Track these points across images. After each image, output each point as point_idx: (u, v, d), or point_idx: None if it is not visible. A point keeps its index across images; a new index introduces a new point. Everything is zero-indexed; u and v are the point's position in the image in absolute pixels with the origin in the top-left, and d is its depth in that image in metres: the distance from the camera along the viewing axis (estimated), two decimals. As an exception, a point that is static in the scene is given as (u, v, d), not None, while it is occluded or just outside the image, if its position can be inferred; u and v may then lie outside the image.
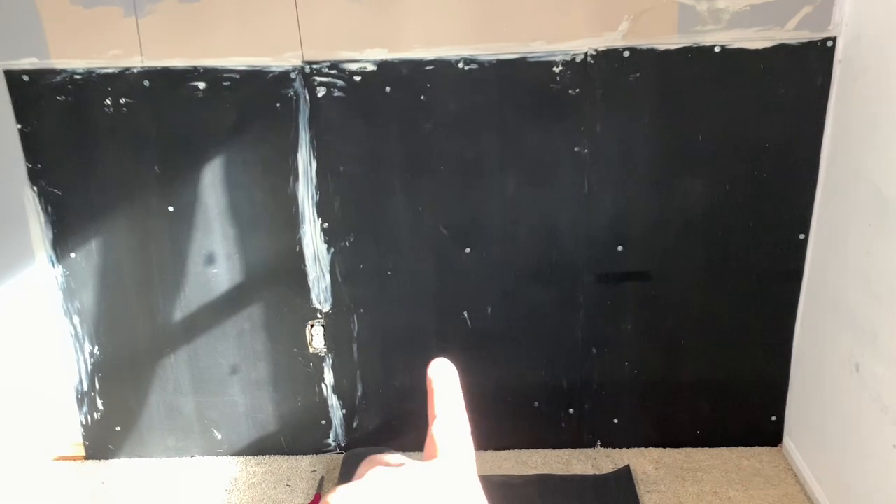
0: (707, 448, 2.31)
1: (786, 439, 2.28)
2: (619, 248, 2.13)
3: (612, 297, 2.18)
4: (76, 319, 2.24)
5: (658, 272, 2.16)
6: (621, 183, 2.07)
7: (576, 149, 2.04)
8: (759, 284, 2.15)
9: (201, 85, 2.00)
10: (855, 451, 1.85)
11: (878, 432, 1.73)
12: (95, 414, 2.35)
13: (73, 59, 1.98)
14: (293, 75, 1.99)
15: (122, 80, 2.00)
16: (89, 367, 2.29)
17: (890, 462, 1.68)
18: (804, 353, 2.16)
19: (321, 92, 2.01)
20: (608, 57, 1.94)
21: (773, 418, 2.28)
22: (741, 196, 2.05)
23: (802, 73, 1.93)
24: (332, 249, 2.16)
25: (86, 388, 2.32)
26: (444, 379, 0.45)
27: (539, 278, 2.17)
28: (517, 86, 1.99)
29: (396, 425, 2.34)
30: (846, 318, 1.89)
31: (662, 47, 1.92)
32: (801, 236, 2.10)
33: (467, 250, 2.16)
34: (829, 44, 1.90)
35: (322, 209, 2.12)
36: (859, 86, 1.83)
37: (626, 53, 1.94)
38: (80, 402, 2.34)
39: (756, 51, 1.91)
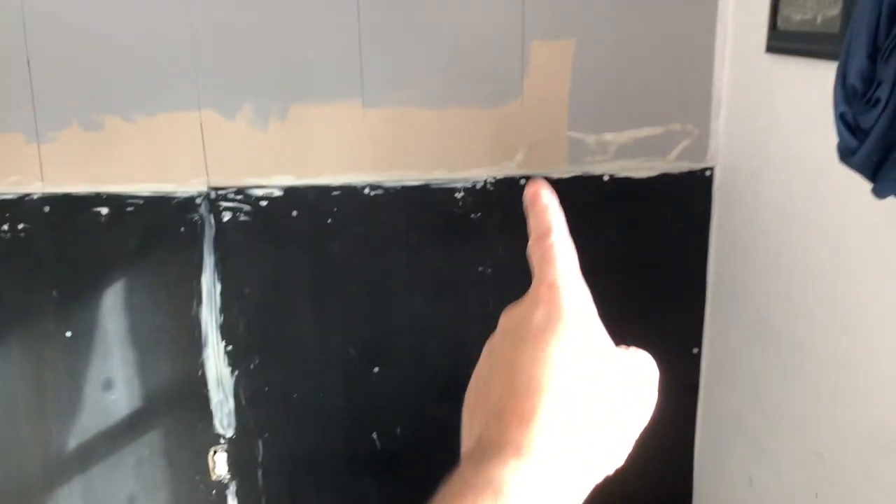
0: (618, 564, 2.31)
1: (694, 551, 2.31)
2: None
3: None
4: (-41, 453, 2.11)
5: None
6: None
7: (479, 268, 2.11)
8: (660, 395, 2.21)
9: (104, 210, 1.99)
10: (755, 565, 1.89)
11: (773, 546, 1.78)
12: (-25, 555, 2.18)
13: (-31, 184, 1.95)
14: (198, 200, 2.01)
15: (20, 206, 1.97)
16: (-29, 504, 2.15)
17: (785, 577, 1.72)
18: (704, 466, 2.22)
19: (227, 216, 2.03)
20: (506, 184, 2.05)
21: (681, 530, 2.31)
22: (636, 312, 2.14)
23: (685, 200, 2.08)
24: (237, 372, 2.13)
25: (-34, 526, 2.16)
26: (549, 197, 0.46)
27: (448, 396, 2.18)
28: (422, 210, 2.06)
29: (304, 553, 2.26)
30: (739, 431, 1.96)
31: (556, 175, 2.04)
32: (695, 350, 2.19)
33: (376, 369, 2.16)
34: (707, 173, 2.06)
35: (226, 332, 2.10)
36: (735, 212, 1.97)
37: (523, 181, 2.05)
38: (-42, 543, 2.17)
39: (641, 179, 2.05)
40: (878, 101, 1.05)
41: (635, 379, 0.44)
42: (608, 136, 2.01)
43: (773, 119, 1.75)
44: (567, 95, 1.97)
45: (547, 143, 2.01)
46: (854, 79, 1.08)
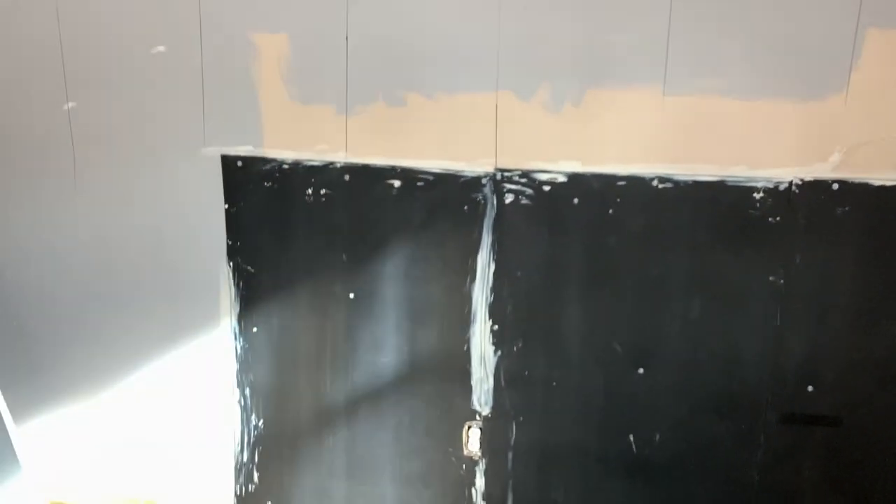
0: None
1: None
2: (810, 388, 1.97)
3: (796, 441, 2.01)
4: (248, 391, 2.33)
5: (851, 419, 1.97)
6: (817, 319, 1.93)
7: (770, 278, 1.93)
8: (972, 448, 1.91)
9: (396, 183, 2.08)
10: None
11: None
12: (250, 486, 2.40)
13: (283, 149, 2.13)
14: (484, 181, 2.03)
15: (325, 173, 2.12)
16: (252, 440, 2.36)
17: None
18: None
19: (509, 198, 2.03)
20: (815, 188, 1.85)
21: None
22: (958, 348, 1.86)
23: None
24: (500, 352, 2.14)
25: (245, 459, 2.39)
26: None
27: (716, 410, 2.04)
28: (713, 208, 1.93)
29: (545, 544, 2.23)
30: None
31: (878, 182, 1.81)
32: None
33: (640, 371, 2.07)
34: None
35: (494, 311, 2.12)
36: None
37: (836, 186, 1.84)
38: (237, 473, 2.41)
39: None
40: None
41: None
42: (950, 142, 1.75)
43: None
44: (905, 92, 1.74)
45: (872, 143, 1.79)
46: None
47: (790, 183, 1.86)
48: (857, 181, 1.82)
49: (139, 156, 2.22)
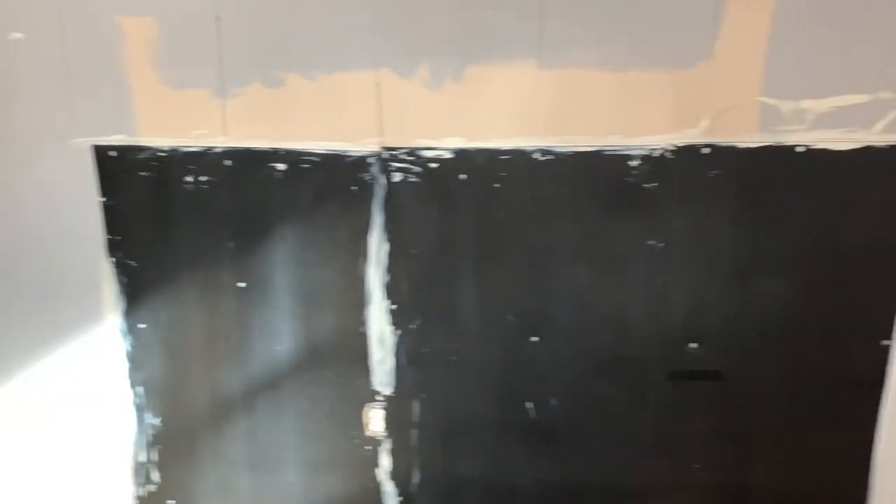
0: (781, 562, 2.18)
1: (867, 557, 2.14)
2: (693, 345, 2.07)
3: (682, 396, 2.11)
4: (140, 390, 2.25)
5: (732, 373, 2.08)
6: (696, 279, 2.02)
7: (650, 242, 2.01)
8: (838, 390, 2.06)
9: (281, 166, 2.04)
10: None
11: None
12: (150, 486, 2.33)
13: (159, 136, 2.04)
14: (371, 160, 2.02)
15: (204, 159, 2.05)
16: (149, 439, 2.29)
17: None
18: (887, 467, 2.04)
19: (397, 177, 2.03)
20: (687, 153, 1.93)
21: (853, 533, 2.15)
22: (821, 299, 1.99)
23: (889, 176, 1.89)
24: (399, 332, 2.15)
25: (143, 459, 2.31)
26: None
27: (608, 372, 2.12)
28: (593, 177, 1.98)
29: (452, 516, 2.27)
30: (938, 434, 1.78)
31: (743, 145, 1.90)
32: (885, 342, 2.01)
33: (534, 339, 2.12)
34: (918, 147, 1.86)
35: (390, 291, 2.12)
36: (951, 192, 1.77)
37: (706, 150, 1.92)
38: (136, 474, 2.33)
39: (841, 152, 1.87)
40: None
41: None
42: (806, 104, 1.85)
43: None
44: (763, 57, 1.83)
45: (737, 108, 1.87)
46: None
47: (663, 149, 1.93)
48: (724, 145, 1.91)
49: (2, 150, 2.09)
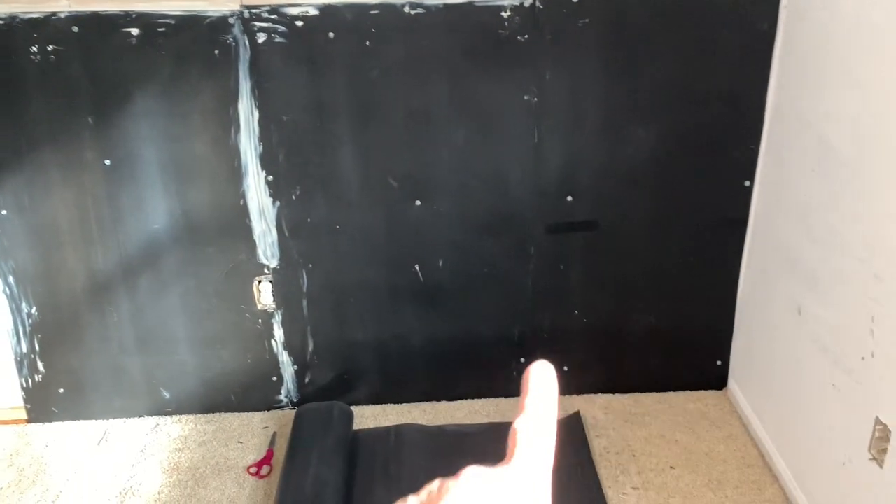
0: (655, 393, 2.36)
1: (730, 383, 2.34)
2: (569, 198, 2.13)
3: (561, 248, 2.19)
4: (11, 279, 2.15)
5: (606, 221, 2.16)
6: (570, 132, 2.05)
7: (525, 97, 2.01)
8: (705, 231, 2.18)
9: (134, 31, 1.90)
10: (796, 391, 1.91)
11: (818, 372, 1.78)
12: (36, 376, 2.28)
13: (-7, 2, 1.86)
14: (231, 20, 1.91)
15: (48, 26, 1.89)
16: (28, 329, 2.21)
17: (828, 400, 1.73)
18: (749, 299, 2.21)
19: (262, 38, 1.93)
20: (557, 2, 1.91)
21: (719, 363, 2.34)
22: (687, 144, 2.06)
23: (749, 18, 1.93)
24: (278, 203, 2.11)
25: (25, 350, 2.24)
26: (542, 381, 0.43)
27: (490, 230, 2.16)
28: (465, 31, 1.95)
29: (349, 380, 2.33)
30: (789, 263, 1.92)
31: (611, -8, 1.89)
32: (747, 183, 2.12)
33: (418, 202, 2.13)
34: (776, -11, 1.90)
35: (266, 161, 2.06)
36: (803, 30, 1.83)
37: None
38: (19, 365, 2.26)
39: (703, -4, 1.90)
40: None
41: None
42: (670, -54, 1.84)
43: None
44: None
45: (603, -47, 1.85)
46: None
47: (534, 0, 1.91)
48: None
49: None
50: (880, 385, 1.53)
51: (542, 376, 0.43)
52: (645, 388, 2.37)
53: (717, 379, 2.36)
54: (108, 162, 2.03)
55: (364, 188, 2.10)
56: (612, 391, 2.37)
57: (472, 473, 0.38)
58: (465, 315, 2.26)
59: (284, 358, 2.30)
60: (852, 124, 1.62)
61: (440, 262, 2.20)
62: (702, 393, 2.36)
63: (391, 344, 2.28)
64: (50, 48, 1.91)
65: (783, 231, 1.96)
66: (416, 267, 2.21)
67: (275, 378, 2.32)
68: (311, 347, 2.29)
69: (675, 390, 2.37)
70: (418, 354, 2.30)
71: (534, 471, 0.40)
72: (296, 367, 2.31)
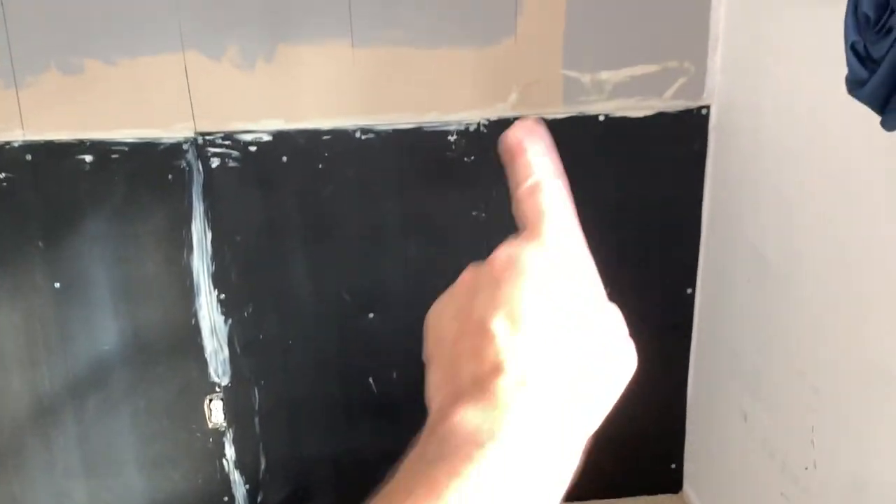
0: (610, 500, 2.35)
1: (686, 486, 2.36)
2: (519, 308, 2.18)
3: (514, 357, 2.22)
4: (-49, 406, 2.09)
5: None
6: (518, 245, 2.12)
7: (474, 213, 2.08)
8: (651, 337, 2.21)
9: (88, 158, 1.93)
10: (748, 497, 1.94)
11: (767, 479, 1.81)
12: (-26, 506, 2.18)
13: (-54, 132, 1.89)
14: (185, 146, 1.96)
15: (2, 155, 1.91)
16: (-34, 457, 2.14)
17: (778, 508, 1.76)
18: (698, 402, 2.25)
19: (215, 162, 1.98)
20: (500, 126, 2.01)
21: (673, 466, 2.36)
22: (630, 254, 2.14)
23: (681, 139, 2.05)
24: (230, 320, 2.11)
25: (-37, 478, 2.16)
26: (533, 136, 0.38)
27: (442, 341, 2.18)
28: (415, 154, 2.03)
29: (303, 497, 2.28)
30: (733, 368, 1.99)
31: (550, 116, 2.00)
32: (689, 290, 2.20)
33: (371, 315, 2.15)
34: (704, 111, 2.03)
35: (218, 280, 2.07)
36: (732, 150, 1.96)
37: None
38: (-44, 495, 2.17)
39: (637, 119, 2.02)
40: (891, 29, 1.03)
41: (621, 333, 0.37)
42: (604, 75, 1.97)
43: (773, 54, 1.71)
44: (562, 33, 1.93)
45: (541, 82, 1.97)
46: (867, 7, 1.05)
47: (478, 124, 2.00)
48: (531, 116, 2.00)
49: None
50: (825, 497, 1.56)
51: (530, 132, 0.38)
52: (600, 494, 2.36)
53: (672, 483, 2.37)
54: (57, 285, 2.02)
55: (316, 303, 2.12)
56: (567, 500, 2.35)
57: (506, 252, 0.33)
58: (421, 426, 2.25)
59: (236, 477, 2.25)
60: (784, 239, 1.71)
61: (394, 374, 2.21)
62: (658, 497, 2.37)
63: (346, 459, 2.25)
64: (3, 175, 1.92)
65: (727, 337, 2.03)
66: (370, 379, 2.21)
67: (226, 498, 2.26)
68: (263, 465, 2.25)
69: (631, 495, 2.37)
70: (374, 468, 2.27)
71: (572, 236, 0.35)
72: (247, 486, 2.26)
